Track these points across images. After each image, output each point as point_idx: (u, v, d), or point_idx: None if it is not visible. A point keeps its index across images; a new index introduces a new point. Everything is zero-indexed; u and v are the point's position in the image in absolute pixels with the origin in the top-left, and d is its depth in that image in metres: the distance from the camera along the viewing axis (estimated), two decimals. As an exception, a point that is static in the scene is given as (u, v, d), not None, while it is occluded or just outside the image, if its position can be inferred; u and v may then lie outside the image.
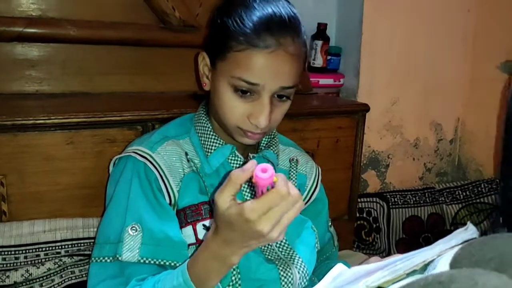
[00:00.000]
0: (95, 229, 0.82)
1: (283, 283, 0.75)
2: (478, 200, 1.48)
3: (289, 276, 0.76)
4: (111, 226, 0.73)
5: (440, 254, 0.59)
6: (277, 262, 0.77)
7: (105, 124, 0.85)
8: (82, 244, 0.81)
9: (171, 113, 0.89)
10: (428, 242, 1.45)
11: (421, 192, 1.51)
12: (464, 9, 1.55)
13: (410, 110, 1.53)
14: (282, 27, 0.70)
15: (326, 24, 1.44)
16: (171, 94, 1.08)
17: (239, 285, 0.74)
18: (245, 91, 0.71)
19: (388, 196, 1.47)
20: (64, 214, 0.84)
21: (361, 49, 1.43)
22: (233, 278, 0.73)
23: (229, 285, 0.73)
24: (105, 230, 0.74)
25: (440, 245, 0.65)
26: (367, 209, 1.43)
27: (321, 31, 1.43)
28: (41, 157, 0.81)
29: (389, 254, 1.43)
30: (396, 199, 1.47)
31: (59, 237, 0.79)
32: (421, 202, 1.49)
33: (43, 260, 0.77)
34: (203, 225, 0.76)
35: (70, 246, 0.80)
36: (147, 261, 0.70)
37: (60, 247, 0.79)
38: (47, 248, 0.78)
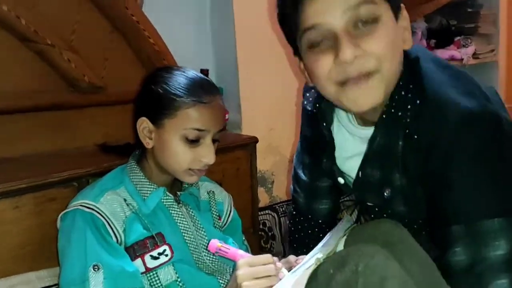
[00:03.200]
0: (49, 278, 0.94)
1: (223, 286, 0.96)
2: (344, 199, 1.84)
3: (226, 283, 0.97)
4: (73, 269, 0.86)
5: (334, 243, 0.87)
6: (215, 274, 0.98)
7: (45, 186, 0.96)
8: None
9: (102, 168, 1.04)
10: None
11: (302, 199, 1.82)
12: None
13: (284, 132, 1.84)
14: (212, 86, 0.95)
15: (207, 70, 1.67)
16: (89, 148, 1.21)
17: (187, 298, 0.93)
18: (194, 140, 0.91)
19: (277, 207, 1.75)
20: (14, 272, 0.93)
21: (240, 88, 1.71)
22: (181, 293, 0.92)
23: (178, 300, 0.92)
24: (68, 274, 0.87)
25: (334, 235, 0.93)
26: (262, 221, 1.69)
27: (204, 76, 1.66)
28: (-10, 224, 0.90)
29: (284, 256, 1.70)
30: (283, 209, 1.76)
31: (19, 292, 0.89)
32: (303, 208, 1.80)
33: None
34: (150, 255, 0.93)
35: (32, 297, 0.90)
36: None
37: (22, 300, 0.89)
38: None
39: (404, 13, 0.79)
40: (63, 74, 1.17)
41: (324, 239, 0.91)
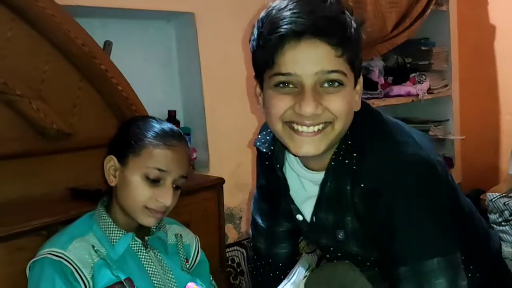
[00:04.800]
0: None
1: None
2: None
3: (195, 325, 1.00)
4: None
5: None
6: (181, 318, 1.01)
7: (14, 236, 0.98)
8: None
9: (71, 216, 1.07)
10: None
11: (269, 234, 1.87)
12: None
13: (252, 170, 1.90)
14: (179, 135, 1.03)
15: (175, 111, 1.73)
16: (58, 194, 1.23)
17: None
18: (154, 180, 0.97)
19: (245, 243, 1.79)
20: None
21: (207, 127, 1.77)
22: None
23: None
24: None
25: (294, 276, 0.98)
26: (231, 257, 1.72)
27: (171, 117, 1.72)
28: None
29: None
30: (251, 245, 1.80)
31: None
32: (271, 242, 1.85)
33: None
34: (120, 300, 0.95)
35: None
36: None
37: None
38: None
39: (360, 80, 0.88)
40: (32, 122, 1.20)
41: (283, 281, 0.96)
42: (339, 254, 0.98)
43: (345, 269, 0.92)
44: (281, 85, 0.81)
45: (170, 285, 1.03)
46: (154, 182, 0.98)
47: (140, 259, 1.02)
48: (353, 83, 0.85)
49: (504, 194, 2.22)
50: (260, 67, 0.84)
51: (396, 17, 2.18)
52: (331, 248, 1.00)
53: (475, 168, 2.76)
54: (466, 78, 2.71)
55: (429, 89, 2.46)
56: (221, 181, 1.41)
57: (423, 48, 2.50)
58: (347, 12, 0.81)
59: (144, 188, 0.98)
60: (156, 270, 1.03)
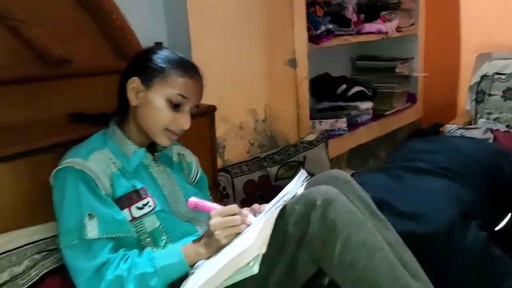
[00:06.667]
0: (45, 231, 1.06)
1: (200, 231, 1.13)
2: (289, 160, 2.06)
3: (202, 227, 1.14)
4: (70, 219, 1.00)
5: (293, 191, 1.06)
6: (190, 221, 1.15)
7: (36, 151, 1.07)
8: (43, 243, 1.05)
9: (81, 135, 1.15)
10: (262, 197, 1.96)
11: (251, 161, 1.99)
12: (259, 20, 2.06)
13: (233, 102, 2.00)
14: (198, 69, 1.14)
15: (161, 42, 1.78)
16: (58, 118, 1.30)
17: (170, 241, 1.09)
18: (176, 104, 1.07)
19: (229, 169, 1.93)
20: (14, 227, 1.04)
21: (192, 59, 1.83)
22: (164, 238, 1.09)
23: (162, 244, 1.08)
24: (66, 222, 1.00)
25: (292, 185, 1.12)
26: (217, 181, 1.85)
27: (158, 49, 1.77)
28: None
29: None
30: (235, 170, 1.94)
31: (22, 242, 1.01)
32: (252, 168, 1.98)
33: (17, 262, 0.98)
34: (136, 206, 1.07)
35: (33, 246, 1.02)
36: (104, 236, 1.00)
37: (25, 249, 1.01)
38: (17, 252, 0.99)
39: None
40: (34, 48, 1.25)
41: (284, 189, 1.10)
42: None
43: (338, 172, 1.08)
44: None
45: (178, 195, 1.16)
46: (176, 106, 1.08)
47: (151, 172, 1.14)
48: None
49: (461, 126, 2.45)
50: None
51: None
52: None
53: (435, 103, 2.97)
54: (432, 18, 2.85)
55: (397, 27, 2.59)
56: (213, 108, 1.51)
57: (393, -13, 2.59)
58: None
59: (167, 111, 1.07)
60: (165, 181, 1.15)
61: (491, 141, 2.24)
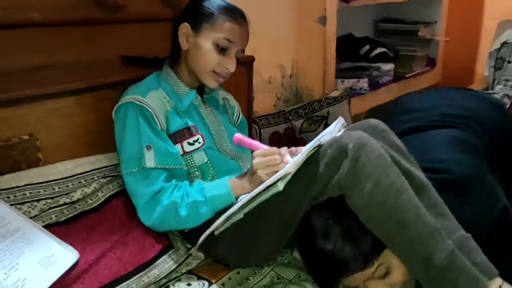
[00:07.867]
0: (106, 161, 1.20)
1: (243, 168, 1.25)
2: (313, 114, 2.16)
3: (245, 165, 1.26)
4: (131, 149, 1.11)
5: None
6: (235, 159, 1.27)
7: (99, 87, 1.18)
8: (106, 170, 1.18)
9: (138, 75, 1.26)
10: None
11: (277, 114, 2.09)
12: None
13: (264, 56, 2.08)
14: (244, 15, 1.20)
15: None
16: (116, 59, 1.40)
17: (216, 176, 1.21)
18: (223, 48, 1.16)
19: (258, 120, 2.03)
20: (79, 155, 1.16)
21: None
22: (211, 172, 1.21)
23: (209, 177, 1.20)
24: (127, 152, 1.12)
25: (329, 130, 1.21)
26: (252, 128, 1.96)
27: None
28: (61, 116, 1.12)
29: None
30: (263, 122, 2.04)
31: (88, 168, 1.14)
32: (278, 121, 2.09)
33: (86, 184, 1.11)
34: (187, 142, 1.19)
35: (98, 172, 1.15)
36: (160, 167, 1.12)
37: (92, 174, 1.14)
38: (85, 176, 1.13)
39: None
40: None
41: (320, 134, 1.20)
42: None
43: (376, 121, 1.17)
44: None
45: (223, 135, 1.27)
46: (222, 50, 1.16)
47: (200, 112, 1.25)
48: None
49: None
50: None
51: None
52: None
53: (454, 68, 3.03)
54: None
55: (423, -10, 2.62)
56: (251, 58, 1.60)
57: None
58: None
59: (214, 54, 1.16)
60: (212, 121, 1.26)
61: (507, 106, 2.32)
